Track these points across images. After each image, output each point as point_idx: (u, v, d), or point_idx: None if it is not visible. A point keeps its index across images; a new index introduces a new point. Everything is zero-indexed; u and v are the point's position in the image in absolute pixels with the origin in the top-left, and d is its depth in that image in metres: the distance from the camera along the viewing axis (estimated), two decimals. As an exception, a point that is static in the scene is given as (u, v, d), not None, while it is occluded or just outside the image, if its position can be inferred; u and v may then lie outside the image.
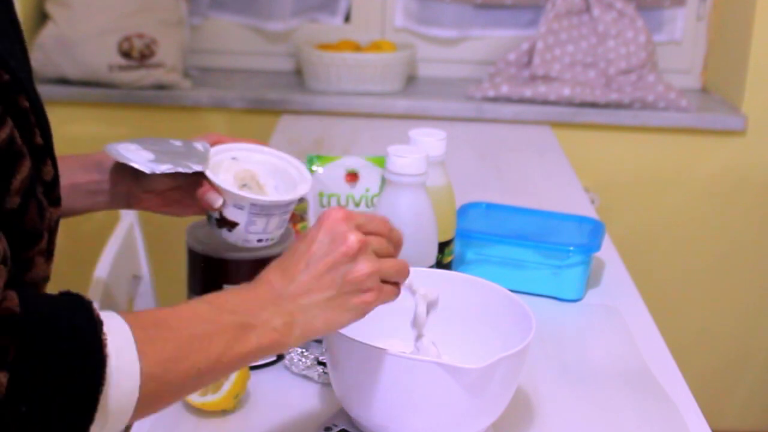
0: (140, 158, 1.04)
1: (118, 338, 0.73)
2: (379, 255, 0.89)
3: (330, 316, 0.87)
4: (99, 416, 0.71)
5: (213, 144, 1.12)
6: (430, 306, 1.07)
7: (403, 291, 0.95)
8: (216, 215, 1.05)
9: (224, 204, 1.04)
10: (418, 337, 1.07)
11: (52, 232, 0.89)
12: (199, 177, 1.05)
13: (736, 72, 2.42)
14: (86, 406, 0.70)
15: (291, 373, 1.12)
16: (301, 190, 1.07)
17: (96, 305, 0.75)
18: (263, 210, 1.04)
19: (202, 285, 1.11)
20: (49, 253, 0.85)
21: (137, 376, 0.73)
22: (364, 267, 0.87)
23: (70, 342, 0.70)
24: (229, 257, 1.09)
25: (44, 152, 0.87)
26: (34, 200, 0.82)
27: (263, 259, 1.09)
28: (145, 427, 1.02)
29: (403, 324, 1.08)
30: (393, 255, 0.92)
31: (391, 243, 0.92)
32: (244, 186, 1.07)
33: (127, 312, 0.77)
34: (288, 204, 1.06)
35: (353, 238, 0.87)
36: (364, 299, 0.88)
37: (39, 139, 0.86)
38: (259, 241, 1.07)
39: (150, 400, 0.76)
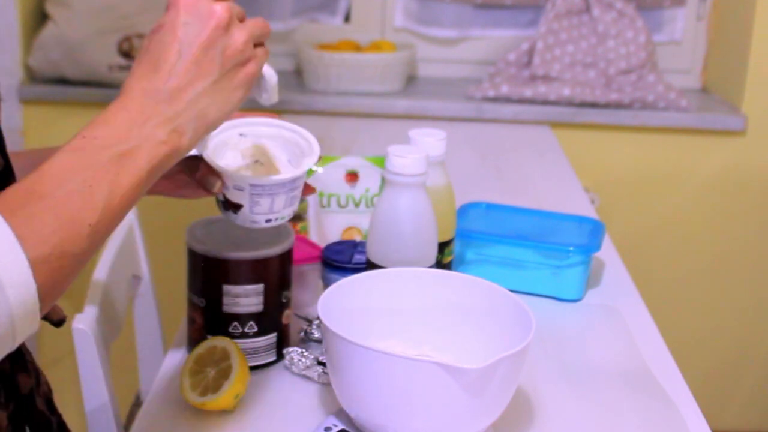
0: None
1: None
2: (240, 18, 0.83)
3: (220, 102, 0.81)
4: (3, 327, 0.67)
5: None
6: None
7: None
8: (221, 198, 1.01)
9: (226, 186, 0.98)
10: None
11: None
12: (201, 159, 0.98)
13: (736, 72, 2.42)
14: None
15: (291, 373, 1.12)
16: (306, 165, 1.01)
17: None
18: (265, 190, 0.98)
19: (202, 285, 1.11)
20: None
21: (27, 268, 0.67)
22: (240, 35, 0.81)
23: None
24: (229, 257, 1.09)
25: None
26: None
27: (263, 259, 1.09)
28: (145, 427, 1.02)
29: (403, 324, 1.08)
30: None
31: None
32: (256, 162, 1.02)
33: None
34: (293, 180, 1.00)
35: (220, 9, 0.79)
36: (248, 71, 0.82)
37: None
38: (268, 221, 1.01)
39: (53, 281, 0.70)
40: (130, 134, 0.75)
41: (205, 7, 0.79)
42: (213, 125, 0.81)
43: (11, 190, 0.72)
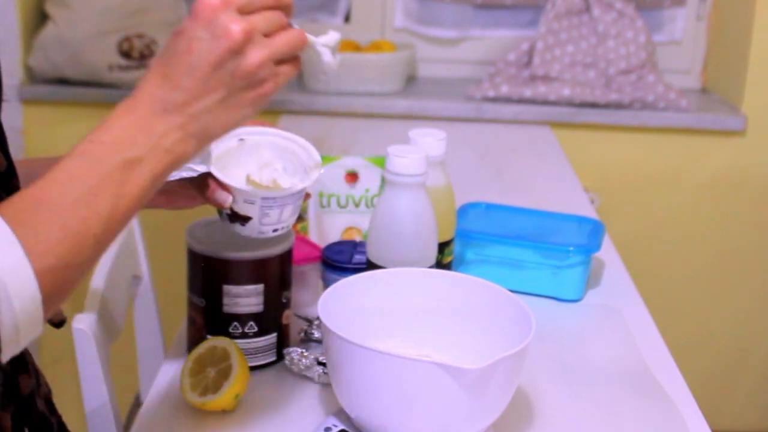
0: None
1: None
2: (271, 31, 0.80)
3: (226, 118, 0.80)
4: (9, 336, 0.69)
5: None
6: (334, 50, 0.92)
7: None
8: (227, 211, 1.01)
9: (234, 200, 0.99)
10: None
11: None
12: (207, 175, 0.99)
13: (736, 72, 2.42)
14: None
15: (291, 373, 1.12)
16: (314, 175, 1.02)
17: None
18: (276, 202, 1.00)
19: (202, 285, 1.11)
20: None
21: (33, 280, 0.69)
22: (254, 58, 0.78)
23: None
24: (229, 257, 1.09)
25: None
26: None
27: (263, 259, 1.09)
28: (145, 427, 1.02)
29: (403, 324, 1.08)
30: (285, 25, 0.82)
31: (282, 8, 0.82)
32: (265, 165, 1.03)
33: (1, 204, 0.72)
34: (302, 190, 1.01)
35: (236, 29, 0.77)
36: (261, 92, 0.80)
37: None
38: (275, 231, 1.03)
39: (56, 290, 0.72)
40: (136, 141, 0.76)
41: (222, 25, 0.77)
42: (216, 138, 0.82)
43: (19, 198, 0.73)
